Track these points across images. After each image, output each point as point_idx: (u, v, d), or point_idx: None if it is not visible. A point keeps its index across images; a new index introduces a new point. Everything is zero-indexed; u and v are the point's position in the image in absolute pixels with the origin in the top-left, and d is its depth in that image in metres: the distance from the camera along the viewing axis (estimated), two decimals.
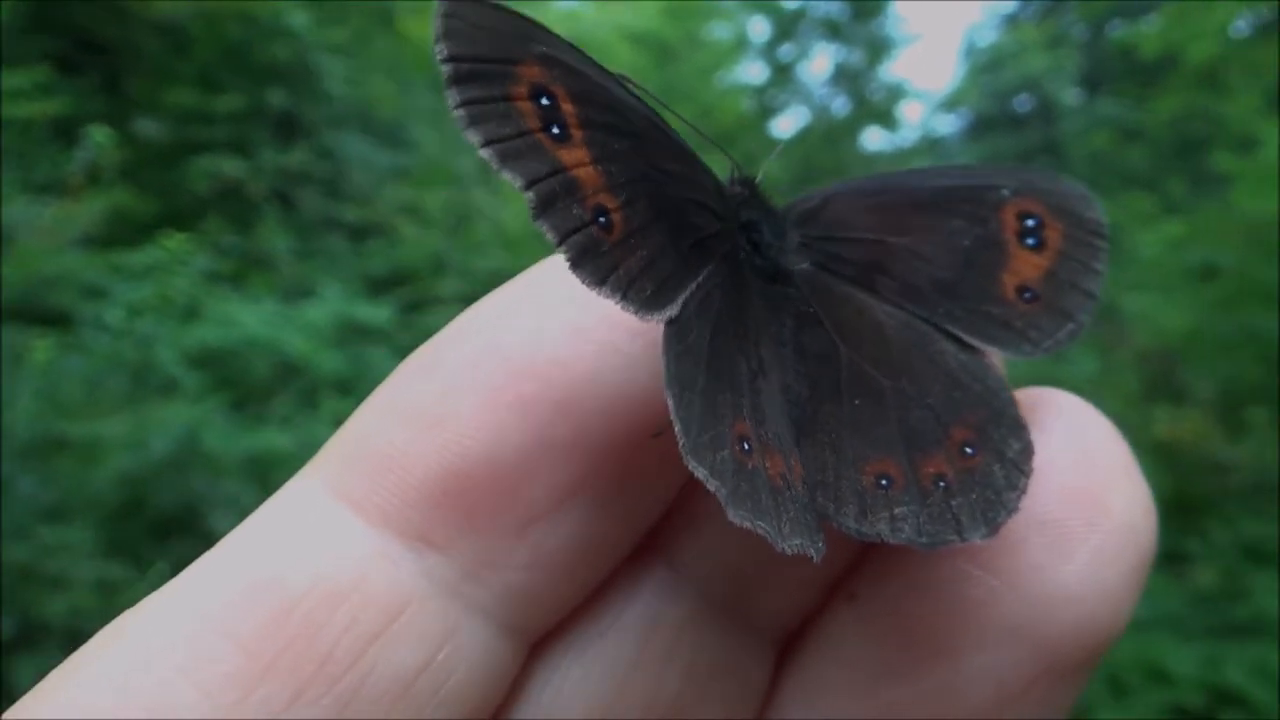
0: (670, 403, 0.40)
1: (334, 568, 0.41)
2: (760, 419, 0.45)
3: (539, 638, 0.46)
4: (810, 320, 0.50)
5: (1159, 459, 5.58)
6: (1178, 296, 5.73)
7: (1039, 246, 0.48)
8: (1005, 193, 0.49)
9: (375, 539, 0.42)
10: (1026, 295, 0.49)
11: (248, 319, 6.20)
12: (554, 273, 0.44)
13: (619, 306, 0.43)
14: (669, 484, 0.46)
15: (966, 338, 0.49)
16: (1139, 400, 5.94)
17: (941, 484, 0.45)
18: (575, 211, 0.41)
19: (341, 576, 0.41)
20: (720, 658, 0.47)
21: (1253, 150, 5.49)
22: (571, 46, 0.42)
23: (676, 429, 0.39)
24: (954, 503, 0.44)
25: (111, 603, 4.47)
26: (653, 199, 0.45)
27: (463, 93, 0.38)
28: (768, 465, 0.43)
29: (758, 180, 0.52)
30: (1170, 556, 4.89)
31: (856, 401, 0.48)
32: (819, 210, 0.52)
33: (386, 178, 9.88)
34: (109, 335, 5.10)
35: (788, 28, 14.25)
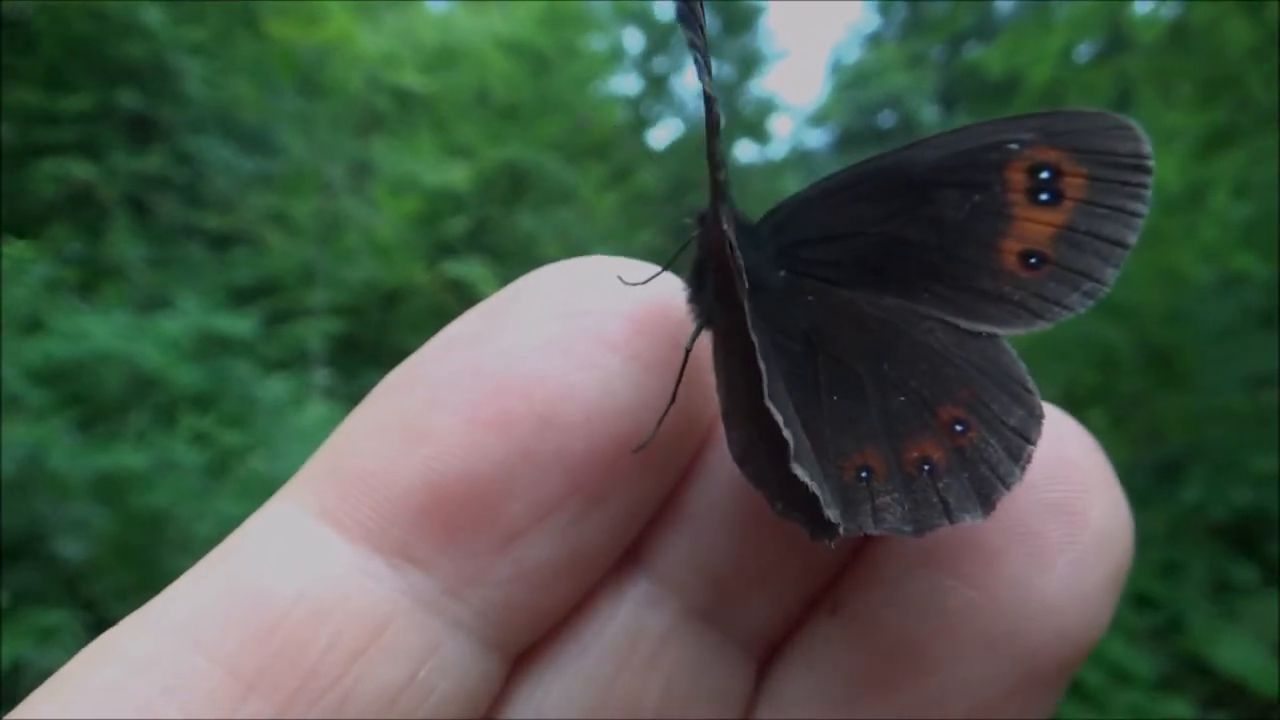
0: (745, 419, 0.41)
1: (316, 585, 0.41)
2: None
3: (521, 652, 0.46)
4: (786, 329, 0.49)
5: None
6: None
7: (1054, 201, 0.45)
8: (1014, 147, 0.45)
9: (357, 556, 0.42)
10: (1032, 261, 0.46)
11: (98, 331, 5.89)
12: (533, 288, 0.45)
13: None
14: (650, 497, 0.47)
15: (955, 320, 0.47)
16: None
17: (926, 467, 0.44)
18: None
19: (324, 594, 0.41)
20: (701, 670, 0.48)
21: None
22: None
23: (777, 442, 0.39)
24: (941, 484, 0.43)
25: None
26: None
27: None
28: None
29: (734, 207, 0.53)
30: None
31: (835, 399, 0.47)
32: (794, 215, 0.50)
33: (251, 184, 9.53)
34: None
35: (661, 40, 14.47)
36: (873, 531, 0.43)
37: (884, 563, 0.46)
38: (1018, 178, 0.45)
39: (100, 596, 5.05)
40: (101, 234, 7.02)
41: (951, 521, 0.42)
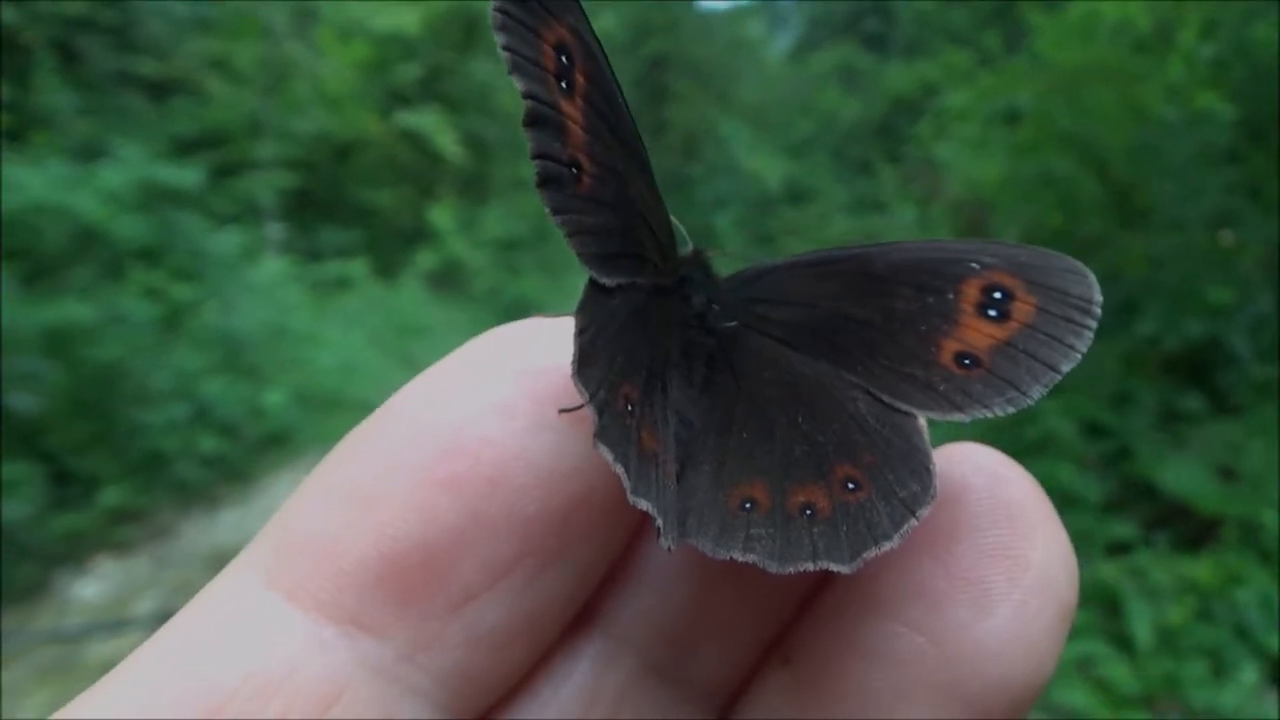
0: (575, 324, 0.43)
1: (264, 660, 0.41)
2: (664, 429, 0.48)
3: (479, 716, 0.46)
4: (722, 368, 0.53)
5: None
6: (988, 148, 6.01)
7: (1001, 318, 0.49)
8: (975, 266, 0.50)
9: (308, 626, 0.42)
10: (966, 362, 0.49)
11: (32, 182, 5.64)
12: (481, 353, 0.46)
13: (566, 239, 0.46)
14: (602, 557, 0.47)
15: (880, 394, 0.50)
16: None
17: (808, 513, 0.46)
18: (556, 146, 0.45)
19: (273, 668, 0.41)
20: None
21: (1057, 5, 5.73)
22: (599, 43, 0.47)
23: (573, 349, 0.42)
24: (816, 530, 0.45)
25: None
26: (620, 192, 0.49)
27: (504, 5, 0.43)
28: (665, 464, 0.46)
29: (710, 254, 0.56)
30: None
31: (745, 435, 0.50)
32: (759, 278, 0.55)
33: (187, 28, 9.04)
34: None
35: None
36: (740, 559, 0.44)
37: (834, 611, 0.47)
38: (972, 292, 0.49)
39: (58, 449, 5.03)
40: (27, 82, 6.65)
41: (815, 566, 0.43)
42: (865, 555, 0.44)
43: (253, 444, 5.92)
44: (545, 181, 0.45)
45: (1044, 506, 0.47)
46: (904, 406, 0.49)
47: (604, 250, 0.48)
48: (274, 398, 6.20)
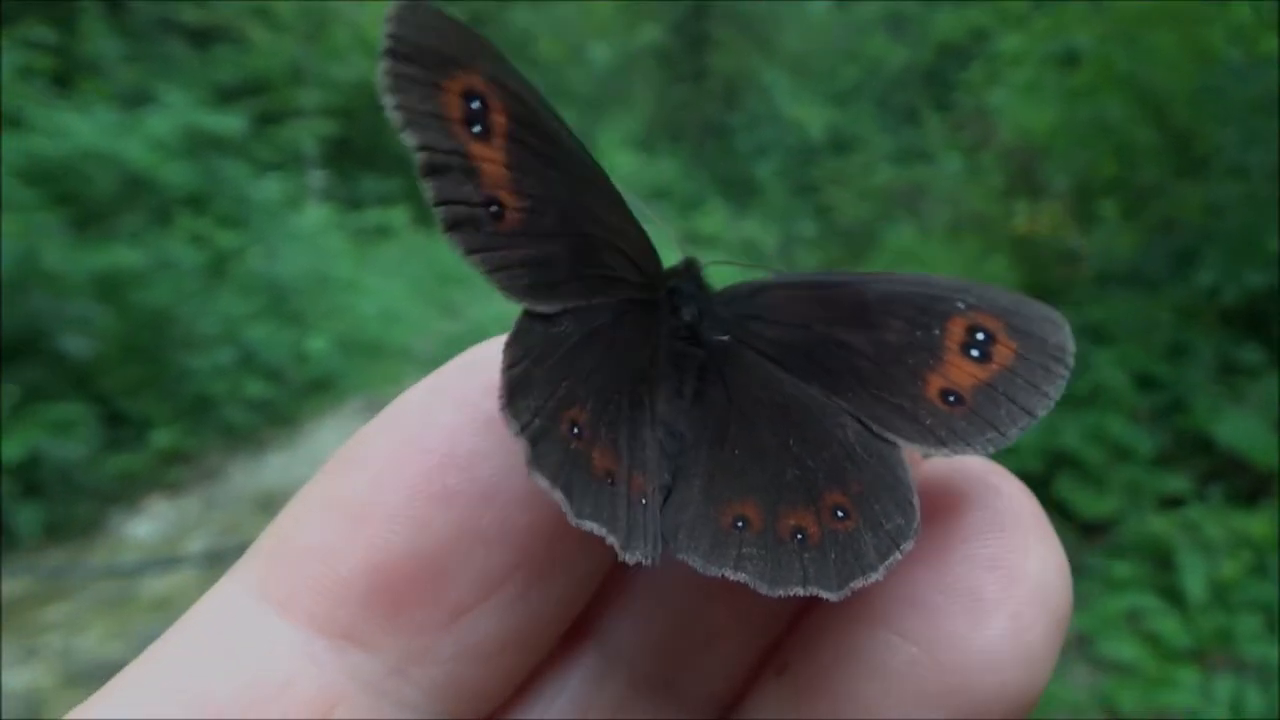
0: (503, 359, 0.43)
1: (257, 675, 0.41)
2: (635, 445, 0.49)
3: None
4: (714, 380, 0.54)
5: (1016, 252, 5.84)
6: (1041, 94, 5.84)
7: (983, 359, 0.50)
8: (960, 305, 0.51)
9: (300, 640, 0.42)
10: (950, 399, 0.50)
11: (81, 129, 5.69)
12: (474, 366, 0.46)
13: (486, 276, 0.47)
14: (595, 569, 0.47)
15: (867, 422, 0.51)
16: (1001, 196, 6.14)
17: (799, 536, 0.47)
18: (466, 189, 0.46)
19: (265, 683, 0.41)
20: None
21: None
22: (529, 84, 0.48)
23: (499, 385, 0.42)
24: (807, 555, 0.46)
25: None
26: (564, 219, 0.50)
27: (394, 67, 0.43)
28: (631, 481, 0.46)
29: (703, 265, 0.57)
30: None
31: (737, 451, 0.51)
32: (753, 295, 0.56)
33: None
34: None
35: None
36: (730, 577, 0.44)
37: (829, 621, 0.47)
38: (957, 331, 0.51)
39: (111, 392, 5.14)
40: (74, 29, 6.68)
41: (805, 591, 0.44)
42: (852, 585, 0.44)
43: (297, 389, 6.00)
44: (454, 225, 0.46)
45: (1037, 516, 0.47)
46: (890, 436, 0.50)
47: (544, 279, 0.49)
48: (317, 344, 6.26)
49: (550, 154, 0.49)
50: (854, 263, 9.74)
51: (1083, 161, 5.63)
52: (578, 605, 0.47)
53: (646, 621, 0.49)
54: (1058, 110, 5.60)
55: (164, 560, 4.17)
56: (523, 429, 0.42)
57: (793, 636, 0.49)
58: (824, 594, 0.44)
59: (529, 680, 0.48)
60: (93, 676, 3.31)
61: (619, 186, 0.52)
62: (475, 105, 0.46)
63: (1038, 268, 5.58)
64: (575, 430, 0.46)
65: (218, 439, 5.38)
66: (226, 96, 7.55)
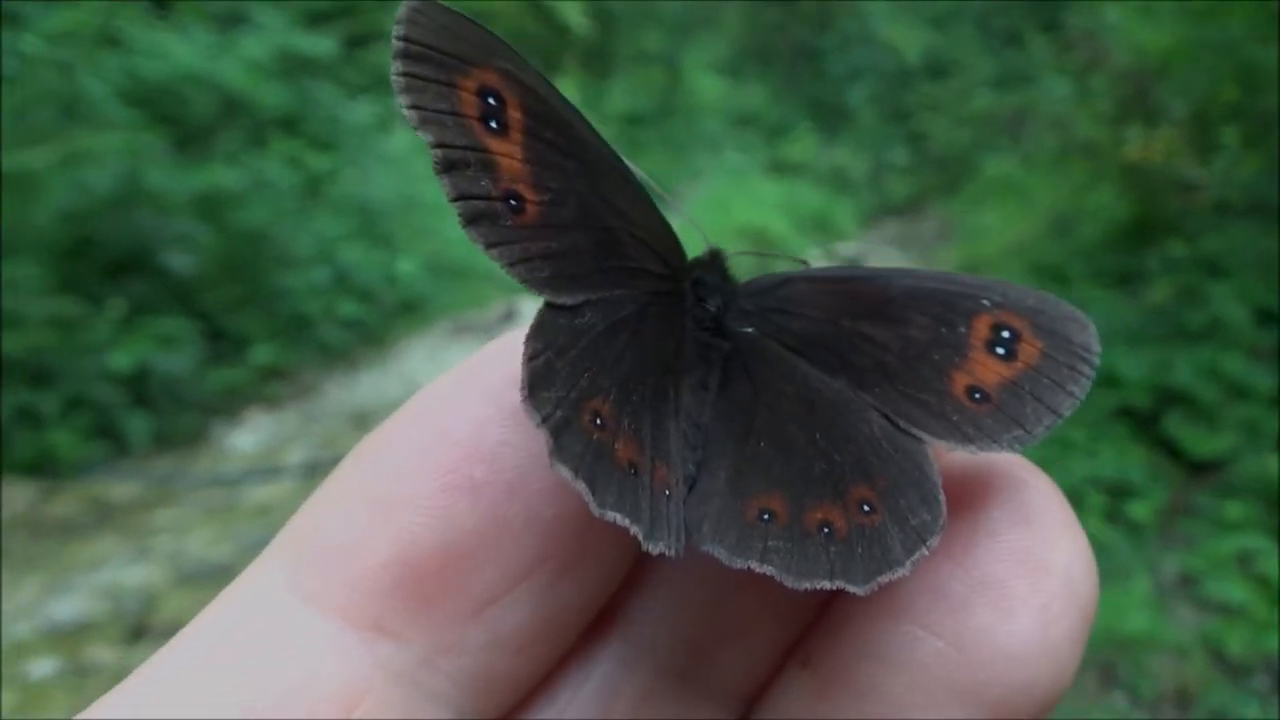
0: (524, 350, 0.43)
1: (287, 666, 0.41)
2: (658, 436, 0.49)
3: (499, 719, 0.46)
4: (739, 373, 0.54)
5: (1127, 180, 5.56)
6: (1160, 13, 5.49)
7: (1008, 357, 0.50)
8: (986, 303, 0.51)
9: (329, 632, 0.42)
10: (976, 396, 0.50)
11: (179, 51, 5.79)
12: (499, 356, 0.46)
13: (506, 269, 0.47)
14: (622, 560, 0.47)
15: (893, 418, 0.51)
16: (1111, 122, 5.84)
17: (825, 530, 0.47)
18: (483, 184, 0.46)
19: (295, 674, 0.41)
20: None
21: None
22: (544, 79, 0.48)
23: (521, 376, 0.42)
24: (833, 549, 0.46)
25: (70, 340, 4.45)
26: (584, 212, 0.50)
27: (407, 68, 0.44)
28: (654, 472, 0.47)
29: (727, 256, 0.57)
30: (1126, 276, 4.99)
31: (763, 444, 0.51)
32: (778, 287, 0.56)
33: None
34: (25, 64, 4.74)
35: None
36: (756, 570, 0.44)
37: (854, 614, 0.46)
38: (983, 329, 0.51)
39: (212, 308, 5.32)
40: None
41: (831, 585, 0.44)
42: (879, 580, 0.44)
43: (388, 309, 6.12)
44: (473, 219, 0.46)
45: (1064, 509, 0.46)
46: (916, 431, 0.50)
47: (565, 271, 0.49)
48: (406, 266, 6.36)
49: (568, 147, 0.50)
50: (948, 192, 9.44)
51: (1203, 85, 5.30)
52: (604, 596, 0.47)
53: (672, 613, 0.49)
54: (1177, 29, 5.28)
55: (265, 470, 4.34)
56: (544, 420, 0.42)
57: (817, 629, 0.49)
58: (850, 588, 0.44)
59: (555, 670, 0.48)
60: (202, 577, 3.48)
61: (643, 176, 0.53)
62: (491, 101, 0.47)
63: (1149, 197, 5.31)
64: (598, 421, 0.46)
65: (313, 356, 5.54)
66: (316, 19, 7.59)
